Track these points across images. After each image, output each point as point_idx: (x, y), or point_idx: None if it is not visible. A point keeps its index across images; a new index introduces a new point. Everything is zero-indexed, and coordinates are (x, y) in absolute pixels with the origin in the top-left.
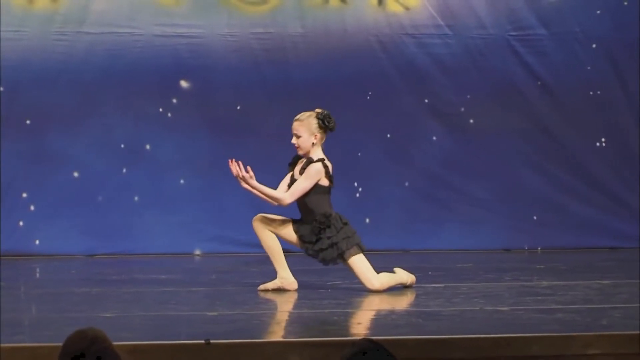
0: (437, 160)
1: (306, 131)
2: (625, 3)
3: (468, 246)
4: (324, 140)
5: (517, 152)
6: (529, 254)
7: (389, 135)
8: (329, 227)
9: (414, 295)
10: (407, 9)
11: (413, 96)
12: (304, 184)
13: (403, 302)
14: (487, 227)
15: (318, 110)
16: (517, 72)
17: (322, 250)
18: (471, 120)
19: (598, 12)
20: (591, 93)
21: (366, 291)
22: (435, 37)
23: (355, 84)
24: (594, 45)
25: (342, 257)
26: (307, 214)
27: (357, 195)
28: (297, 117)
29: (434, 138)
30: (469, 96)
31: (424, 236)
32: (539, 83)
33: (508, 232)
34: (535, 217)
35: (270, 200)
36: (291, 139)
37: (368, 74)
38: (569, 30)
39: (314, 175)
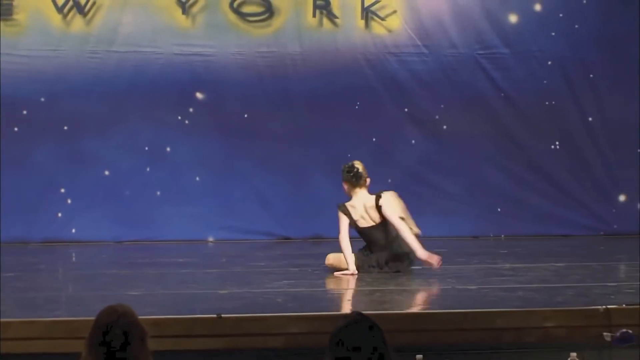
0: (416, 160)
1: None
2: (577, 26)
3: (442, 233)
4: (352, 189)
5: (484, 154)
6: (494, 240)
7: (374, 139)
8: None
9: (397, 276)
10: (389, 31)
11: (395, 106)
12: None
13: (387, 282)
14: (458, 217)
15: (345, 164)
16: (484, 85)
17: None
18: (445, 127)
19: (553, 34)
20: (547, 103)
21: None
22: (413, 56)
23: (346, 96)
24: (549, 63)
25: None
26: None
27: None
28: None
29: (413, 141)
30: (442, 106)
31: None
32: (502, 95)
33: (476, 221)
34: (499, 209)
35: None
36: (290, 141)
37: (356, 87)
38: (528, 49)
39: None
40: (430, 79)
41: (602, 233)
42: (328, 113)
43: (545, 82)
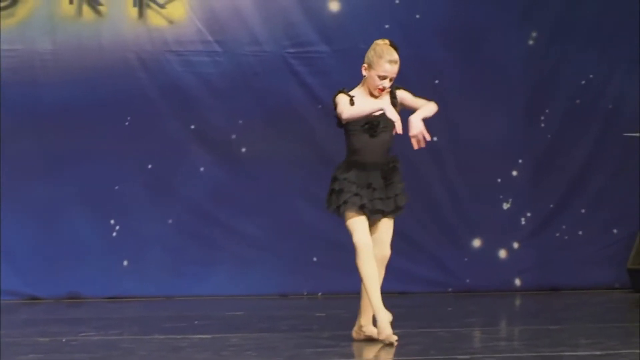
0: (205, 194)
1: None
2: (418, 16)
3: (239, 291)
4: None
5: (295, 185)
6: (309, 299)
7: (150, 166)
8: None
9: (177, 349)
10: (171, 22)
11: (178, 121)
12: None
13: (163, 357)
14: (260, 269)
15: (387, 41)
16: (295, 94)
17: (396, 195)
18: (243, 149)
19: (387, 26)
20: None
21: (123, 344)
22: (203, 55)
23: (113, 107)
24: None
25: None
26: (383, 155)
27: (114, 234)
28: (394, 57)
29: (202, 169)
30: (241, 121)
31: (190, 280)
32: (320, 106)
33: (285, 274)
34: (315, 258)
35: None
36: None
37: (127, 96)
38: (353, 46)
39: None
40: (224, 85)
41: (450, 290)
42: (88, 131)
43: None
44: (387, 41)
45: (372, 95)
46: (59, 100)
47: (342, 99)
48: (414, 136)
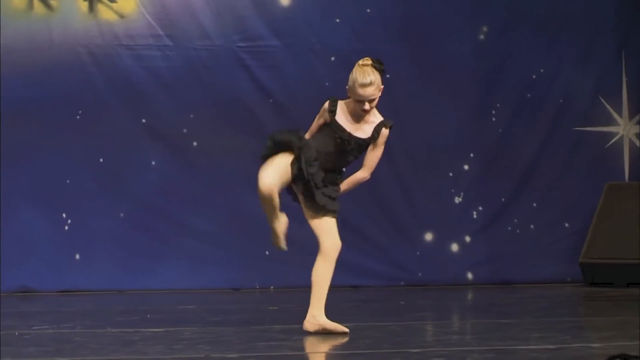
0: (156, 188)
1: (378, 90)
2: (368, 10)
3: (191, 285)
4: None
5: (246, 179)
6: (261, 293)
7: (101, 160)
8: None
9: (129, 342)
10: (121, 17)
11: (129, 115)
12: (379, 153)
13: (116, 350)
14: (212, 263)
15: (368, 60)
16: (246, 88)
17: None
18: (195, 143)
19: (338, 20)
20: None
21: (76, 337)
22: (153, 49)
23: (64, 102)
24: (332, 58)
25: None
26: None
27: (66, 227)
28: (367, 80)
29: (153, 163)
30: (192, 115)
31: (142, 274)
32: (270, 100)
33: (237, 268)
34: (267, 252)
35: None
36: None
37: (78, 90)
38: (304, 40)
39: (384, 143)
40: (175, 79)
41: (402, 283)
42: (40, 125)
43: (327, 84)
44: (367, 61)
45: (354, 114)
46: (10, 94)
47: (322, 110)
48: None
